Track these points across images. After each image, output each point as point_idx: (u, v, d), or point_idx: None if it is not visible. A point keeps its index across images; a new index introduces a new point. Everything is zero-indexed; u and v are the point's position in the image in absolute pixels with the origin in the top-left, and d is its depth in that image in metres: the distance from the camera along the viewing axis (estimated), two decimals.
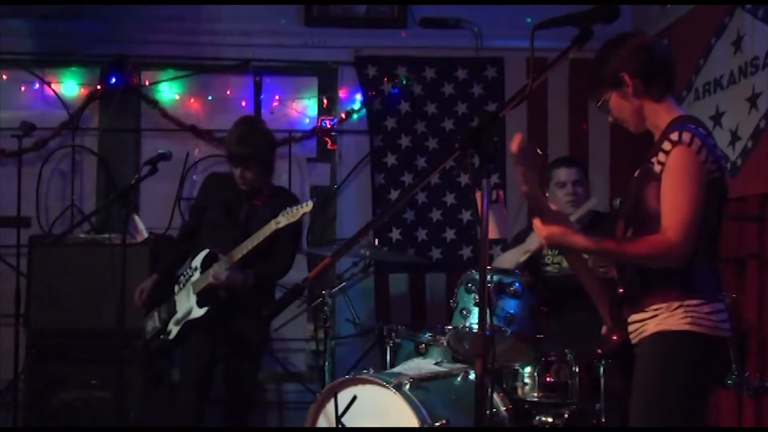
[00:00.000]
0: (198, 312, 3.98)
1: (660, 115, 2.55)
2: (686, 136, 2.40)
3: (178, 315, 4.09)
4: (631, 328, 2.55)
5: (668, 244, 2.37)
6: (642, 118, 2.57)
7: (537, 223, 2.45)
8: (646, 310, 2.50)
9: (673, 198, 2.39)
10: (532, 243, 4.04)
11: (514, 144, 2.32)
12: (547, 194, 4.23)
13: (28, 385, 4.71)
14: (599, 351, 2.53)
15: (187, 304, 4.06)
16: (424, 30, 5.52)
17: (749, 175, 3.99)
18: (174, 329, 4.07)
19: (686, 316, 2.43)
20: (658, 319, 2.47)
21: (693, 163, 2.39)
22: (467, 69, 5.50)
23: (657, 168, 2.44)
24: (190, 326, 4.02)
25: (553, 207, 2.53)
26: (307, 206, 3.74)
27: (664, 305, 2.46)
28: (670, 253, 2.37)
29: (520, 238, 4.23)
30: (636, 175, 2.61)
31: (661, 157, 2.43)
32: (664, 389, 2.44)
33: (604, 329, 2.68)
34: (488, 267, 2.84)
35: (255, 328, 4.10)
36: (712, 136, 2.53)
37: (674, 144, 2.40)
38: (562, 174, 4.11)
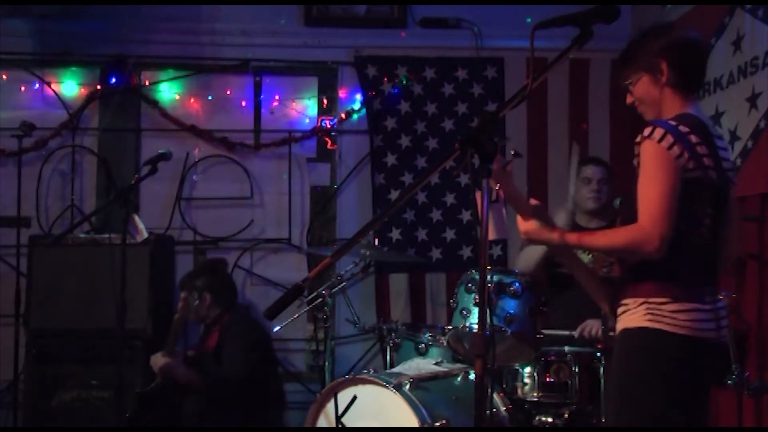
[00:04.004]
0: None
1: (675, 109, 2.56)
2: (657, 132, 2.43)
3: None
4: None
5: (643, 234, 2.37)
6: (660, 109, 2.60)
7: (519, 219, 2.55)
8: (621, 305, 2.54)
9: (644, 190, 2.41)
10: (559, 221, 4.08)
11: (496, 164, 2.33)
12: (573, 188, 4.29)
13: (28, 385, 4.71)
14: (599, 346, 2.55)
15: None
16: (424, 30, 5.52)
17: (749, 175, 3.99)
18: None
19: (647, 313, 2.45)
20: (624, 316, 2.51)
21: (662, 156, 2.41)
22: (467, 69, 5.50)
23: (635, 162, 2.48)
24: None
25: (533, 202, 2.59)
26: None
27: (631, 301, 2.50)
28: (644, 243, 2.36)
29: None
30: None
31: (636, 150, 2.48)
32: (626, 385, 2.47)
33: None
34: (488, 267, 2.85)
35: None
36: (706, 137, 2.50)
37: (643, 138, 2.45)
38: (589, 171, 4.23)
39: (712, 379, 2.72)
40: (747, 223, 3.95)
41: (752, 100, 3.99)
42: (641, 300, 2.47)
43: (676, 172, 2.40)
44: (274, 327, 4.53)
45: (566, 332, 3.83)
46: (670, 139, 2.41)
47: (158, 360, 3.96)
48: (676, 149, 2.41)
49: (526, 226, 2.55)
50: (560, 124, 5.52)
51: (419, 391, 3.39)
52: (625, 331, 2.50)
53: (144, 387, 4.24)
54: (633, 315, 2.48)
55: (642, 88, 2.61)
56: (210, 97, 5.50)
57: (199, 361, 4.09)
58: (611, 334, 2.61)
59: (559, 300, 4.14)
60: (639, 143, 2.46)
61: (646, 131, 2.45)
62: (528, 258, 4.16)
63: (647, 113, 2.64)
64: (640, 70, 2.59)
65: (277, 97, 5.53)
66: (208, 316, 4.32)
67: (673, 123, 2.47)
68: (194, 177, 5.46)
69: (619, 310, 2.54)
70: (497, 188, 2.49)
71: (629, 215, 2.52)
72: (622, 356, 2.51)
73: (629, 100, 2.66)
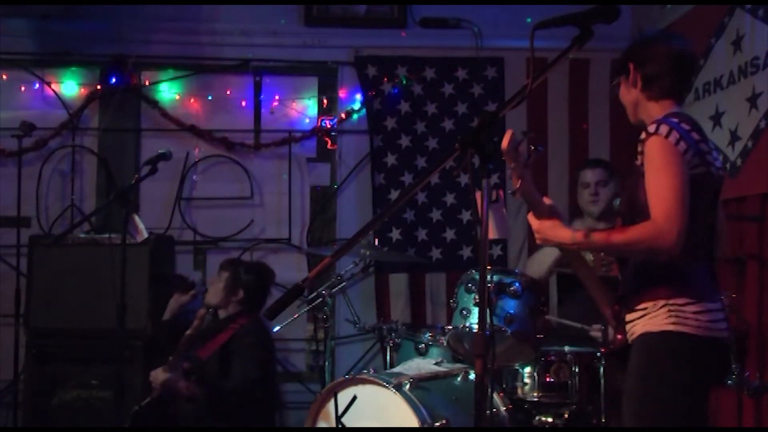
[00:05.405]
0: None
1: (654, 112, 2.58)
2: (663, 129, 2.42)
3: None
4: (627, 327, 2.56)
5: (658, 230, 2.33)
6: (637, 110, 2.64)
7: (530, 217, 2.52)
8: (636, 309, 2.51)
9: (656, 186, 2.38)
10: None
11: (505, 140, 2.35)
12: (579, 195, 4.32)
13: (28, 385, 4.71)
14: (603, 350, 2.52)
15: None
16: (424, 30, 5.52)
17: (749, 175, 3.99)
18: None
19: (670, 316, 2.43)
20: (644, 320, 2.48)
21: (671, 153, 2.39)
22: (467, 69, 5.50)
23: (638, 161, 2.47)
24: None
25: (547, 201, 2.56)
26: None
27: (650, 304, 2.46)
28: (660, 240, 2.33)
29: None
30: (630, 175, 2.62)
31: (640, 147, 2.46)
32: (651, 390, 2.44)
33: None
34: (488, 267, 2.84)
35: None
36: (703, 135, 2.53)
37: (649, 135, 2.43)
38: (588, 175, 4.27)
39: (718, 379, 2.73)
40: (747, 223, 3.95)
41: (752, 100, 3.99)
42: (662, 302, 2.44)
43: (685, 167, 2.39)
44: (274, 327, 4.53)
45: (579, 325, 3.78)
46: (676, 135, 2.41)
47: (159, 375, 3.91)
48: (683, 144, 2.41)
49: (539, 224, 2.52)
50: (560, 124, 5.52)
51: (419, 391, 3.38)
52: (648, 335, 2.46)
53: (141, 399, 4.25)
54: (654, 318, 2.45)
55: (621, 91, 2.67)
56: (210, 97, 5.50)
57: (199, 371, 4.04)
58: (618, 337, 2.55)
59: (574, 297, 4.14)
60: (644, 141, 2.45)
61: (651, 128, 2.44)
62: (540, 263, 4.18)
63: (629, 115, 2.69)
64: (620, 73, 2.66)
65: (277, 97, 5.53)
66: (227, 309, 4.29)
67: (676, 120, 2.47)
68: (194, 177, 5.46)
69: (635, 314, 2.50)
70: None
71: (630, 215, 2.52)
72: (646, 361, 2.45)
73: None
